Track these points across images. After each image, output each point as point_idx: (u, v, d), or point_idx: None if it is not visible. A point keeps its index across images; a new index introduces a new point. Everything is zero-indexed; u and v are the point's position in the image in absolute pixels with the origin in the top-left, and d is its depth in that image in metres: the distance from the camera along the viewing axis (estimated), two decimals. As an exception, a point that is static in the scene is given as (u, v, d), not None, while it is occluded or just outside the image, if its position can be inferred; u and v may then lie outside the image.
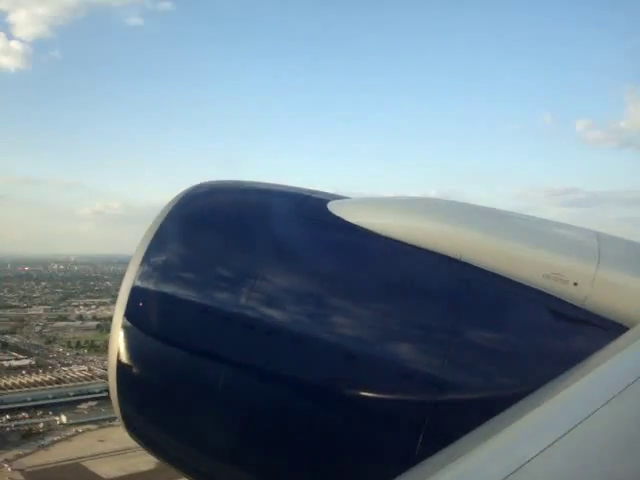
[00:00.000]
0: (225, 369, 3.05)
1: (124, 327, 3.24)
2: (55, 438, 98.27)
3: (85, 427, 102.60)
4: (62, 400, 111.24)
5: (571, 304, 2.91)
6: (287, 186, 3.75)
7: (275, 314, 3.07)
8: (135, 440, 3.49)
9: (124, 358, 3.25)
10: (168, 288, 3.26)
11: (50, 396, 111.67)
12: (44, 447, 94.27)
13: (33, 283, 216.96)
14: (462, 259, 3.04)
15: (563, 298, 2.92)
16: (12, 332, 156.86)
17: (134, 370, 3.30)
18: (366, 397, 2.89)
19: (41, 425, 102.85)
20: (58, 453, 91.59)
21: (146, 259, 3.27)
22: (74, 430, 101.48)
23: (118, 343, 3.24)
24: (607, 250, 3.05)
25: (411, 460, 2.44)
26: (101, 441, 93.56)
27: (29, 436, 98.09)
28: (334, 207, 3.36)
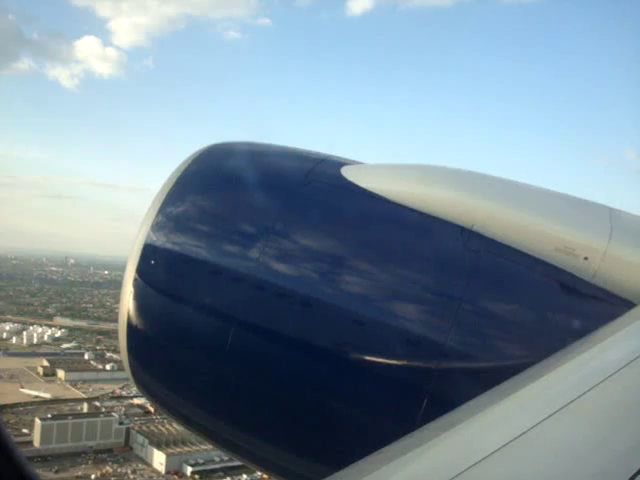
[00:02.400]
0: (237, 328, 3.04)
1: (135, 284, 3.21)
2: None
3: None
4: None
5: (580, 278, 2.91)
6: (302, 149, 3.74)
7: (285, 275, 3.07)
8: (144, 395, 3.52)
9: (134, 314, 3.23)
10: (180, 246, 3.23)
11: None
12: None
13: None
14: (474, 229, 3.03)
15: (573, 272, 2.91)
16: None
17: (144, 327, 3.29)
18: (374, 360, 2.92)
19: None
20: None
21: (160, 215, 3.24)
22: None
23: (128, 300, 3.21)
24: (619, 226, 3.03)
25: (414, 423, 2.54)
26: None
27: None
28: (348, 172, 3.33)
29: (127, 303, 3.21)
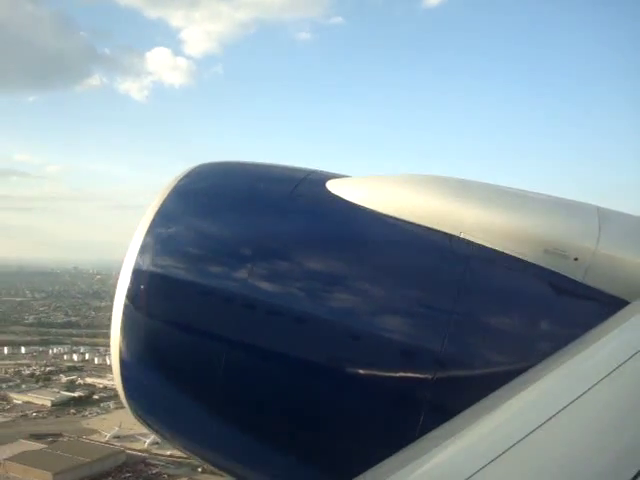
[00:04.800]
0: (231, 350, 3.04)
1: (126, 310, 3.19)
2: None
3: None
4: None
5: (572, 279, 2.90)
6: (286, 166, 3.75)
7: (275, 293, 3.06)
8: (141, 423, 3.48)
9: (126, 341, 3.23)
10: (170, 269, 3.23)
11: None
12: None
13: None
14: (462, 236, 3.02)
15: (563, 273, 2.90)
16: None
17: (136, 354, 3.29)
18: (368, 374, 2.92)
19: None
20: None
21: (148, 237, 3.24)
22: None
23: (119, 327, 3.20)
24: (607, 225, 3.02)
25: (414, 435, 2.47)
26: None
27: None
28: (333, 186, 3.34)
29: (118, 330, 3.20)
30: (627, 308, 2.70)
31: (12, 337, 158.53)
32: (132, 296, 3.20)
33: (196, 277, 3.20)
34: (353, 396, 2.94)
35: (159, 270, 3.22)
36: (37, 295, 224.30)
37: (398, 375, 2.90)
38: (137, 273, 3.20)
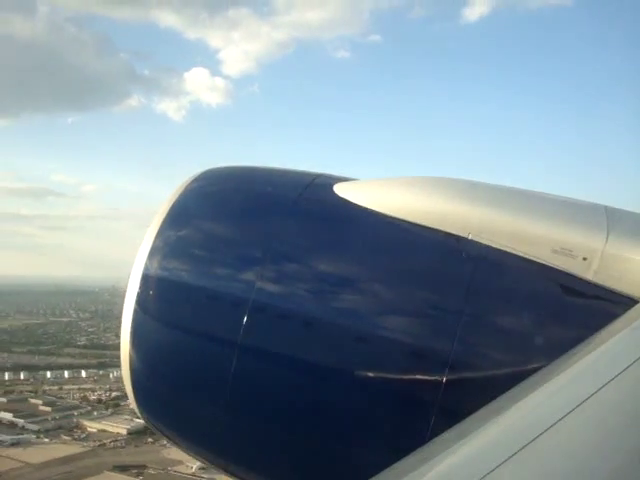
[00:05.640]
0: (241, 355, 3.00)
1: (135, 316, 3.17)
2: None
3: None
4: None
5: (581, 279, 2.88)
6: (294, 170, 3.75)
7: (285, 298, 3.07)
8: (152, 429, 3.52)
9: (136, 347, 3.23)
10: (179, 274, 3.24)
11: None
12: None
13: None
14: (470, 237, 3.01)
15: (572, 273, 2.89)
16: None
17: (147, 360, 3.29)
18: (379, 376, 2.93)
19: None
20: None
21: (157, 242, 3.24)
22: None
23: (129, 333, 3.19)
24: (616, 224, 3.01)
25: (425, 437, 2.59)
26: None
27: None
28: (340, 189, 3.33)
29: (128, 336, 3.20)
30: (637, 307, 2.70)
31: (68, 360, 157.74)
32: (141, 301, 3.20)
33: (205, 281, 3.20)
34: (365, 399, 2.96)
35: (168, 275, 3.24)
36: (82, 315, 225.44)
37: (409, 377, 2.91)
38: (146, 278, 3.21)
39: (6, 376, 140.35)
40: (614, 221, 3.01)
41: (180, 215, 3.33)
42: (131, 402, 3.37)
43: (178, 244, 3.27)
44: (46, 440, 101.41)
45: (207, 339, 3.19)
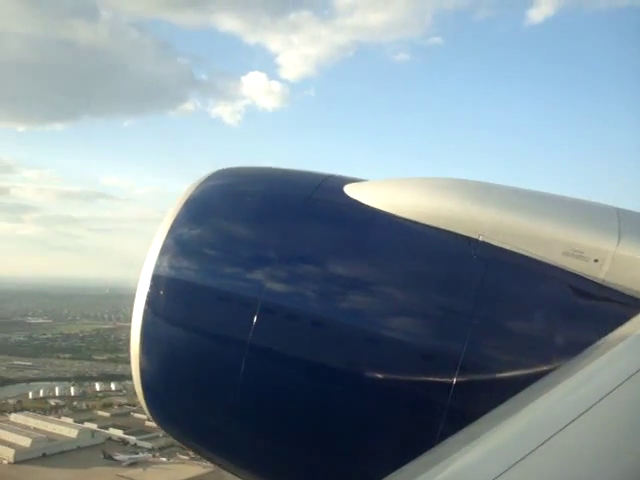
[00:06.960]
0: (252, 355, 2.97)
1: (145, 315, 3.16)
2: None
3: None
4: None
5: (592, 281, 2.85)
6: (305, 171, 3.71)
7: (296, 298, 3.04)
8: (162, 428, 3.51)
9: (146, 347, 3.20)
10: (190, 274, 3.22)
11: None
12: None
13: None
14: (481, 239, 2.99)
15: (584, 275, 2.86)
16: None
17: (157, 361, 3.26)
18: (389, 378, 2.92)
19: None
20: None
21: (168, 242, 3.22)
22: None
23: (139, 332, 3.17)
24: (627, 225, 2.98)
25: (434, 439, 2.56)
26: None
27: None
28: (351, 190, 3.30)
29: (138, 336, 3.19)
30: None
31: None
32: (151, 301, 3.18)
33: (215, 281, 3.18)
34: (375, 400, 2.94)
35: (178, 274, 3.23)
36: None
37: (419, 379, 2.89)
38: (156, 278, 3.19)
39: (97, 386, 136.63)
40: (626, 223, 2.96)
41: (191, 215, 3.31)
42: (140, 402, 3.33)
43: (188, 243, 3.26)
44: (163, 459, 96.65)
45: (217, 339, 3.16)
